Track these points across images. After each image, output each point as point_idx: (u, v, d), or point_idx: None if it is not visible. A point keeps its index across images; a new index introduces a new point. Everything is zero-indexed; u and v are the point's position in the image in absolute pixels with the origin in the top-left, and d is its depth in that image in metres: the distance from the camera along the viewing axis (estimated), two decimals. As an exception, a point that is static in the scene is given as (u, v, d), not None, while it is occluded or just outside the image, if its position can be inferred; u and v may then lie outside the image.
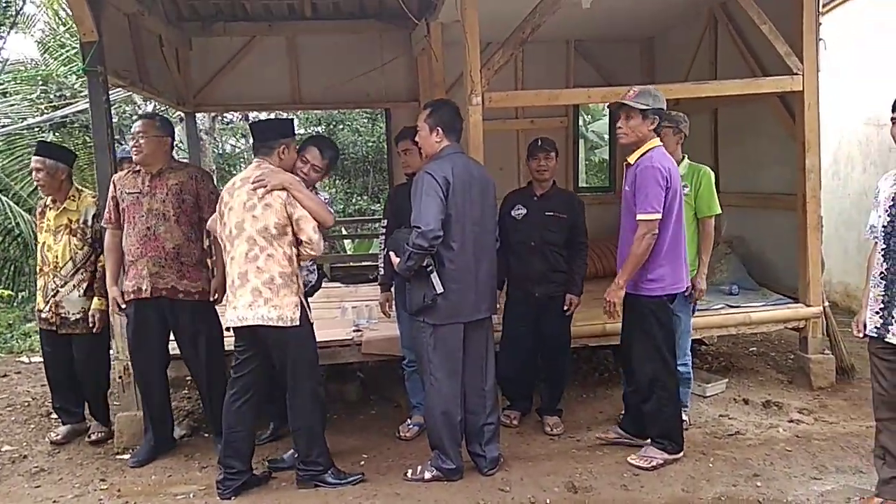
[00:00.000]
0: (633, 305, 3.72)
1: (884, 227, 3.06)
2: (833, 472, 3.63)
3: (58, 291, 4.25)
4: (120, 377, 4.35)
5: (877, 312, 3.08)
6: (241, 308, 3.41)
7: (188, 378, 5.16)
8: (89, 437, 4.41)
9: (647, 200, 3.50)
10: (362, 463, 3.96)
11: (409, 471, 3.72)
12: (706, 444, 4.01)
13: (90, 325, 4.27)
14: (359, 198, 13.75)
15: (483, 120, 4.39)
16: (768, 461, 3.78)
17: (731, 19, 5.81)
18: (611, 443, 4.03)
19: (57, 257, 4.26)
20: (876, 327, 3.09)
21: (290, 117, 3.71)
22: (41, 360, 4.74)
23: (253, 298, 3.37)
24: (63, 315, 4.26)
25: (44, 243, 4.33)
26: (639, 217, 3.54)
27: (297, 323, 3.41)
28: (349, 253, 11.03)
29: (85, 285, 4.27)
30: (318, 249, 3.44)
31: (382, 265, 4.23)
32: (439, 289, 3.45)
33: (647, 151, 3.60)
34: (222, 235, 3.51)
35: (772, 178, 5.57)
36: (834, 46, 5.10)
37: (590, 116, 13.62)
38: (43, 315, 4.30)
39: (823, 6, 4.95)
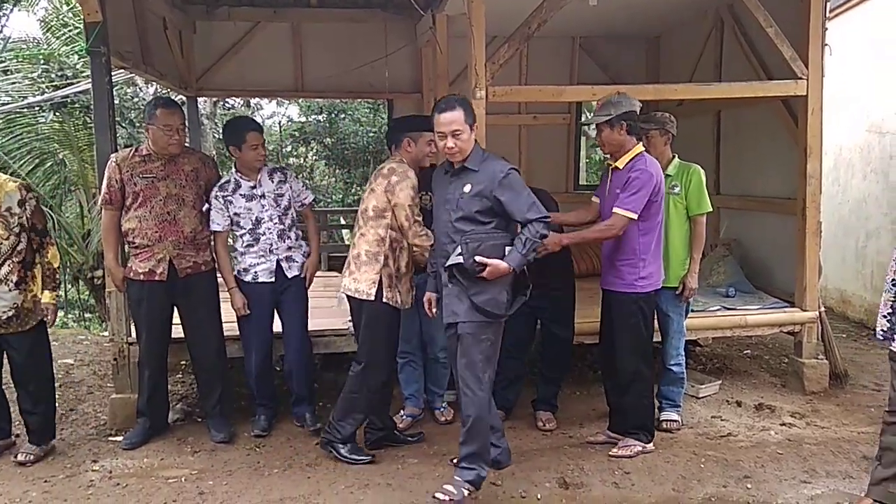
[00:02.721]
0: (625, 302, 3.79)
1: None
2: (823, 477, 3.65)
3: None
4: (115, 359, 4.36)
5: (884, 316, 3.12)
6: (344, 277, 3.76)
7: (182, 363, 5.16)
8: (15, 456, 3.87)
9: (633, 201, 3.62)
10: (355, 452, 3.96)
11: (441, 494, 3.18)
12: (698, 445, 4.03)
13: (30, 321, 3.80)
14: (358, 188, 13.71)
15: (486, 114, 4.38)
16: (759, 463, 3.79)
17: (738, 21, 5.80)
18: (601, 443, 4.03)
19: None
20: (882, 330, 3.14)
21: (423, 113, 3.79)
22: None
23: (346, 270, 3.73)
24: None
25: None
26: (618, 211, 3.64)
27: (371, 298, 3.59)
28: (347, 242, 11.03)
29: (15, 279, 3.71)
30: (406, 236, 3.60)
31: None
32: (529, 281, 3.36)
33: (635, 156, 3.73)
34: None
35: (772, 182, 5.57)
36: (838, 53, 5.09)
37: (592, 114, 13.57)
38: None
39: (830, 11, 4.92)
